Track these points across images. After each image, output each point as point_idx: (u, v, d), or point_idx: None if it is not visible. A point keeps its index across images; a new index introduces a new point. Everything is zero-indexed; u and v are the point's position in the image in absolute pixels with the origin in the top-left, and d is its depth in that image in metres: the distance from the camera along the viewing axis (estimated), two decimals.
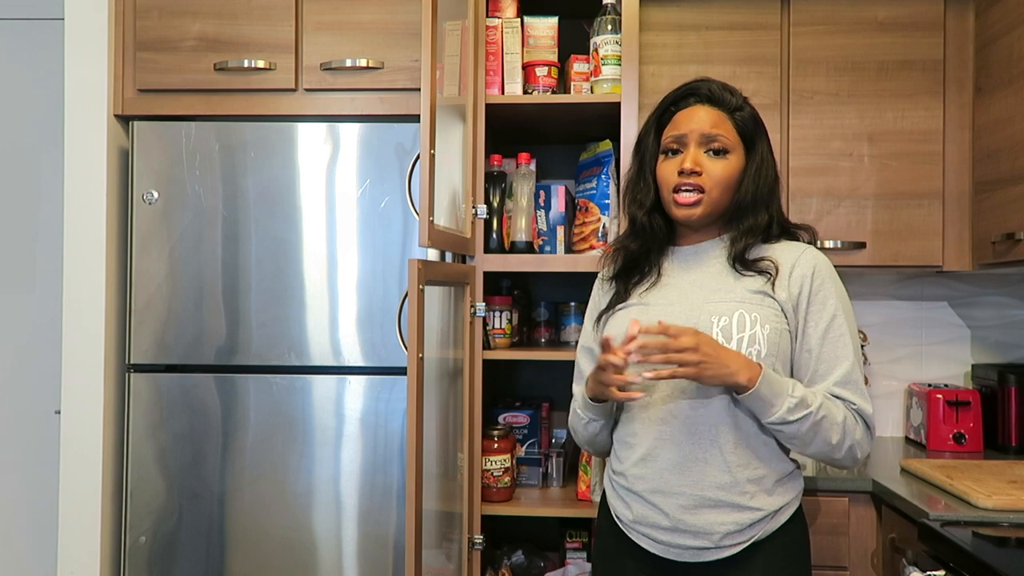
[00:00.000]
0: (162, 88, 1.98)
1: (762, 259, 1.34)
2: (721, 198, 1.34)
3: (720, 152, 1.33)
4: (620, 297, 1.41)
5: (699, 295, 1.34)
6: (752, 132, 1.37)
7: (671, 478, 1.29)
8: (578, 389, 1.47)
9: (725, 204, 1.36)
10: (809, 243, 1.41)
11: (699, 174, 1.32)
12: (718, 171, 1.33)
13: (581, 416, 1.42)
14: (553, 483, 2.09)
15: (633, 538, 1.35)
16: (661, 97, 1.43)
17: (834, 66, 2.02)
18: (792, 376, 1.34)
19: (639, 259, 1.42)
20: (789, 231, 1.41)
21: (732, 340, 1.27)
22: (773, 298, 1.31)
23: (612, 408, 1.40)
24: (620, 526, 1.37)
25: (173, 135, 1.92)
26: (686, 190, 1.33)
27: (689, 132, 1.34)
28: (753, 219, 1.35)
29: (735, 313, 1.29)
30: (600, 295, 1.49)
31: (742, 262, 1.34)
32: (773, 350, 1.28)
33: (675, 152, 1.36)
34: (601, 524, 1.46)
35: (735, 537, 1.28)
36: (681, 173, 1.32)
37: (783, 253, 1.35)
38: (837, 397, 1.29)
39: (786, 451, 1.34)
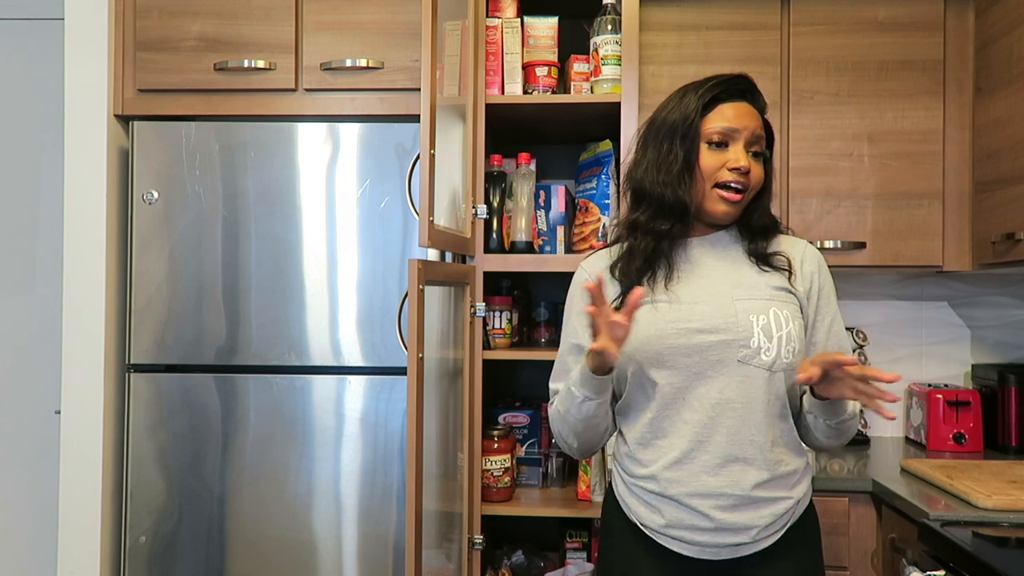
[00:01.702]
0: (162, 88, 1.98)
1: (776, 253, 1.36)
2: (751, 199, 1.35)
3: (759, 156, 1.33)
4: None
5: (724, 290, 1.32)
6: (772, 138, 1.38)
7: (709, 480, 1.28)
8: (559, 385, 1.39)
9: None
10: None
11: (747, 173, 1.31)
12: (758, 175, 1.33)
13: (576, 394, 1.30)
14: (553, 483, 2.09)
15: (662, 543, 1.31)
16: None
17: (834, 66, 2.02)
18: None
19: (653, 253, 1.34)
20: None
21: (773, 339, 1.27)
22: (794, 293, 1.33)
23: (611, 383, 1.30)
24: (645, 531, 1.33)
25: (173, 135, 1.92)
26: (735, 188, 1.30)
27: (743, 128, 1.30)
28: (770, 218, 1.38)
29: (770, 311, 1.29)
30: (607, 287, 1.38)
31: (762, 257, 1.35)
32: (802, 347, 1.31)
33: (720, 144, 1.31)
34: (615, 527, 1.39)
35: (770, 529, 1.29)
36: (734, 171, 1.30)
37: (789, 247, 1.37)
38: None
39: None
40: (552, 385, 1.45)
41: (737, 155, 1.30)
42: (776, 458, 1.29)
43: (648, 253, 1.34)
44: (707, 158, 1.31)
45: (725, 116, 1.31)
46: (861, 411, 1.36)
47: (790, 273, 1.34)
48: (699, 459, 1.29)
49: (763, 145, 1.33)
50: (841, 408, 1.29)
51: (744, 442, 1.28)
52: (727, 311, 1.29)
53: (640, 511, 1.34)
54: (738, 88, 1.34)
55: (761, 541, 1.29)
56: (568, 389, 1.33)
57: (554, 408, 1.40)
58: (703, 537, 1.29)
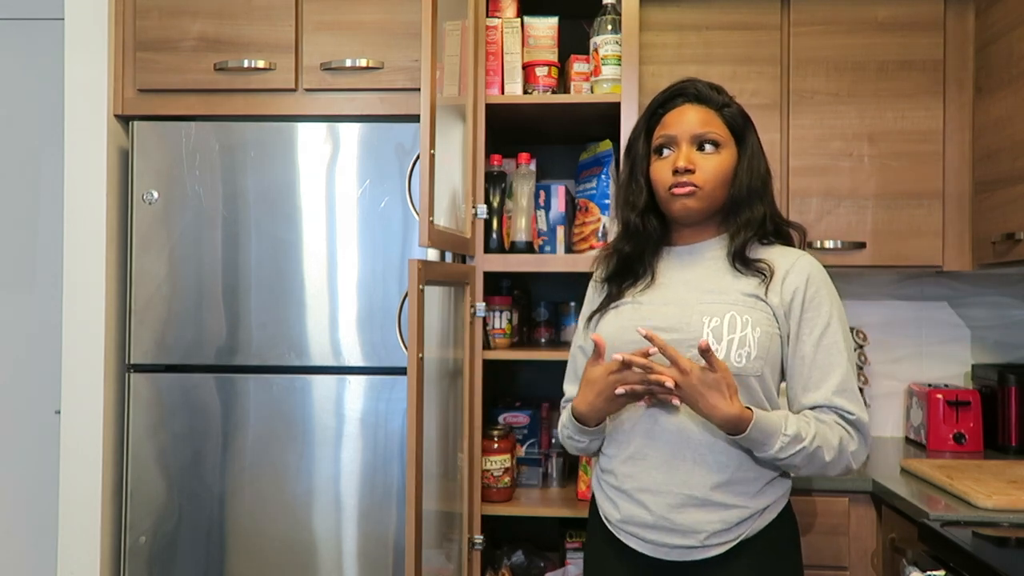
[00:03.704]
0: (162, 88, 1.98)
1: (760, 260, 1.34)
2: (715, 193, 1.34)
3: (712, 146, 1.33)
4: (612, 298, 1.41)
5: (693, 296, 1.33)
6: (742, 126, 1.37)
7: (659, 476, 1.29)
8: (571, 389, 1.46)
9: (721, 200, 1.35)
10: (800, 244, 1.42)
11: (692, 171, 1.32)
12: (711, 166, 1.33)
13: (579, 440, 1.38)
14: (553, 483, 2.09)
15: (621, 538, 1.34)
16: None
17: (834, 66, 2.02)
18: (784, 382, 1.34)
19: (632, 261, 1.41)
20: (781, 229, 1.41)
21: (722, 341, 1.27)
22: (765, 302, 1.31)
23: (606, 426, 1.37)
24: (608, 527, 1.37)
25: (173, 135, 1.92)
26: (681, 185, 1.32)
27: (680, 133, 1.34)
28: (749, 212, 1.35)
29: (727, 314, 1.28)
30: (594, 295, 1.48)
31: (742, 260, 1.34)
32: (763, 353, 1.28)
33: (663, 153, 1.36)
34: (591, 523, 1.45)
35: (722, 536, 1.27)
36: (676, 172, 1.32)
37: (778, 258, 1.35)
38: (833, 407, 1.28)
39: None
40: (565, 387, 1.52)
41: (675, 156, 1.34)
42: (730, 462, 1.28)
43: (616, 266, 1.42)
44: (655, 170, 1.38)
45: (665, 125, 1.37)
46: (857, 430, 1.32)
47: (768, 282, 1.32)
48: (651, 455, 1.30)
49: (716, 136, 1.33)
50: (751, 445, 1.23)
51: (693, 441, 1.28)
52: (684, 314, 1.31)
53: (605, 505, 1.38)
54: (680, 94, 1.38)
55: (713, 547, 1.28)
56: (570, 436, 1.41)
57: (561, 430, 1.46)
58: (652, 535, 1.30)
